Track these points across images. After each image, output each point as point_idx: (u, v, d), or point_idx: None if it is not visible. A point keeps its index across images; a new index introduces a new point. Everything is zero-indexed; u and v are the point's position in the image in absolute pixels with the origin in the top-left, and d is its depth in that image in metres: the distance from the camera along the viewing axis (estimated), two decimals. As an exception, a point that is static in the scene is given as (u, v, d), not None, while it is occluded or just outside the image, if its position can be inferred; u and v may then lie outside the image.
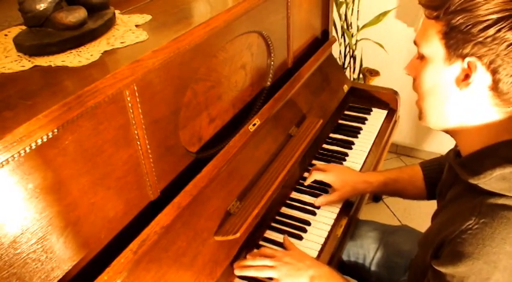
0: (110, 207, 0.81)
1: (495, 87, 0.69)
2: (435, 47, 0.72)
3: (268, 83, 1.33)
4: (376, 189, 1.23)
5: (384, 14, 2.02)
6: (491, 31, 0.65)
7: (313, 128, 1.32)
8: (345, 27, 2.12)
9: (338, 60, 2.09)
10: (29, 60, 0.80)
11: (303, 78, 1.42)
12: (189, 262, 0.94)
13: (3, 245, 0.64)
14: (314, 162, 1.40)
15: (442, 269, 0.73)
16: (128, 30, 0.92)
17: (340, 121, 1.59)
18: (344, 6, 2.07)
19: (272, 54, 1.31)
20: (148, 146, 0.86)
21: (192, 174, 0.98)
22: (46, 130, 0.64)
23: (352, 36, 2.14)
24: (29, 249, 0.68)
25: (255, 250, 1.10)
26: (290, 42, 1.40)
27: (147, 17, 0.98)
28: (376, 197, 2.27)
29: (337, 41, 2.17)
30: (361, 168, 1.38)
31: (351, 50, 2.21)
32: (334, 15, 1.87)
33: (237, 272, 1.02)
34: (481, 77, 0.69)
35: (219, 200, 1.04)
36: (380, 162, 1.48)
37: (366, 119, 1.60)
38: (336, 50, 2.14)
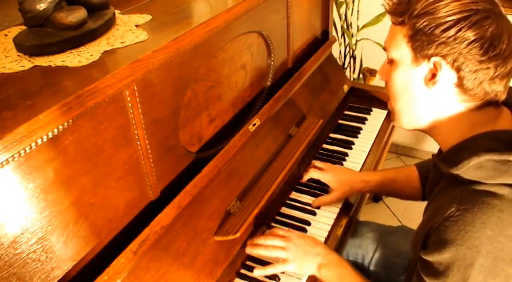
0: (110, 207, 0.81)
1: (460, 84, 0.73)
2: (403, 51, 0.77)
3: (268, 83, 1.33)
4: (374, 188, 1.24)
5: (384, 14, 2.00)
6: (452, 31, 0.69)
7: (313, 128, 1.33)
8: (345, 27, 2.12)
9: (338, 60, 2.09)
10: (29, 60, 0.80)
11: (303, 78, 1.42)
12: (189, 262, 0.94)
13: (3, 245, 0.64)
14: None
15: (429, 258, 0.74)
16: (128, 30, 0.92)
17: (340, 121, 1.59)
18: (344, 6, 2.07)
19: (272, 54, 1.31)
20: (148, 146, 0.86)
21: (192, 174, 0.98)
22: (46, 130, 0.64)
23: (352, 36, 2.14)
24: (29, 249, 0.68)
25: (267, 230, 1.10)
26: (290, 42, 1.40)
27: (147, 17, 0.98)
28: (376, 197, 2.27)
29: (337, 41, 2.17)
30: (361, 168, 1.38)
31: (351, 50, 2.21)
32: (334, 15, 1.87)
33: (248, 250, 1.04)
34: (447, 75, 0.72)
35: (219, 200, 1.04)
36: (380, 162, 1.48)
37: (366, 119, 1.60)
38: (336, 50, 2.14)
